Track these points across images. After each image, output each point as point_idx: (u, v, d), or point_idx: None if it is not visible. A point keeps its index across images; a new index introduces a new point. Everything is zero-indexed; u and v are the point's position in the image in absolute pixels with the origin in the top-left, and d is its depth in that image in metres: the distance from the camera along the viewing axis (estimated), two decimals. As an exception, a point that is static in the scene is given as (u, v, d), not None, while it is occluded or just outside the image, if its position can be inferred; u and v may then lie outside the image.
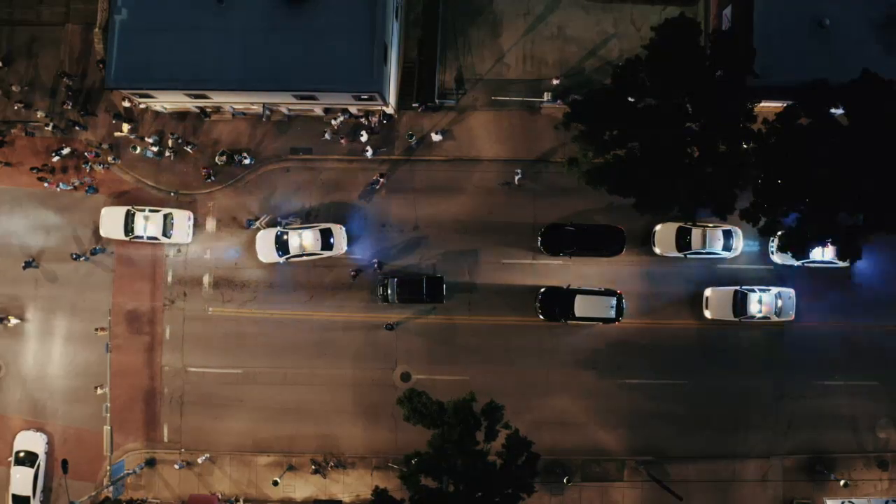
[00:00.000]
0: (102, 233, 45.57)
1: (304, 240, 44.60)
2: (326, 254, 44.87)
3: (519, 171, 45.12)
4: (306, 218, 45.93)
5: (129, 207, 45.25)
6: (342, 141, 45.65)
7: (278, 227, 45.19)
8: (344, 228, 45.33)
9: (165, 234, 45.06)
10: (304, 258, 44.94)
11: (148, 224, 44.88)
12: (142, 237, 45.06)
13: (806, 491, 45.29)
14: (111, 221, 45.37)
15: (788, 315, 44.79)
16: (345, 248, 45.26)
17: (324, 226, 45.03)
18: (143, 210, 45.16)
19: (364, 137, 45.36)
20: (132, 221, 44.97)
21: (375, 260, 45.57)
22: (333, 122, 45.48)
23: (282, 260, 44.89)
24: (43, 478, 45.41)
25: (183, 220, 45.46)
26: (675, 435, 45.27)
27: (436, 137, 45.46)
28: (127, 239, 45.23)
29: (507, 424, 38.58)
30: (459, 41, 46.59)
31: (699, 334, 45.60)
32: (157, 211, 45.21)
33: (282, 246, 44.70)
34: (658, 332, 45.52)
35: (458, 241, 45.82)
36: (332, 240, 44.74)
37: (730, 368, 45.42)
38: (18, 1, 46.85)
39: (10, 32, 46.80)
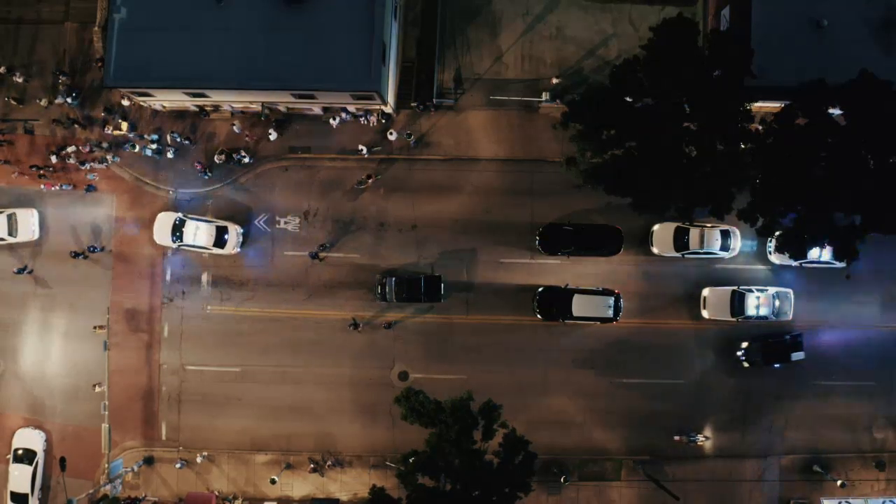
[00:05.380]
0: None
1: (198, 231, 44.57)
2: (216, 251, 44.83)
3: None
4: (304, 216, 45.98)
5: None
6: (246, 138, 45.67)
7: (179, 213, 45.08)
8: (241, 230, 45.37)
9: (11, 234, 45.00)
10: (196, 249, 44.86)
11: None
12: None
13: (803, 491, 45.29)
14: None
15: (786, 315, 44.82)
16: (236, 248, 45.23)
17: (221, 223, 45.06)
18: None
19: (273, 135, 45.40)
20: None
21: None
22: (332, 121, 45.54)
23: (175, 245, 44.87)
24: (41, 475, 45.50)
25: (27, 218, 45.36)
26: (673, 434, 45.26)
27: (392, 136, 45.44)
28: None
29: (505, 423, 38.61)
30: (458, 41, 46.62)
31: (697, 334, 45.64)
32: (1, 213, 45.13)
33: (178, 232, 44.62)
34: (656, 332, 45.53)
35: (456, 240, 45.85)
36: (225, 237, 44.68)
37: (727, 368, 45.44)
38: (17, -1, 47.03)
39: (9, 31, 46.77)
